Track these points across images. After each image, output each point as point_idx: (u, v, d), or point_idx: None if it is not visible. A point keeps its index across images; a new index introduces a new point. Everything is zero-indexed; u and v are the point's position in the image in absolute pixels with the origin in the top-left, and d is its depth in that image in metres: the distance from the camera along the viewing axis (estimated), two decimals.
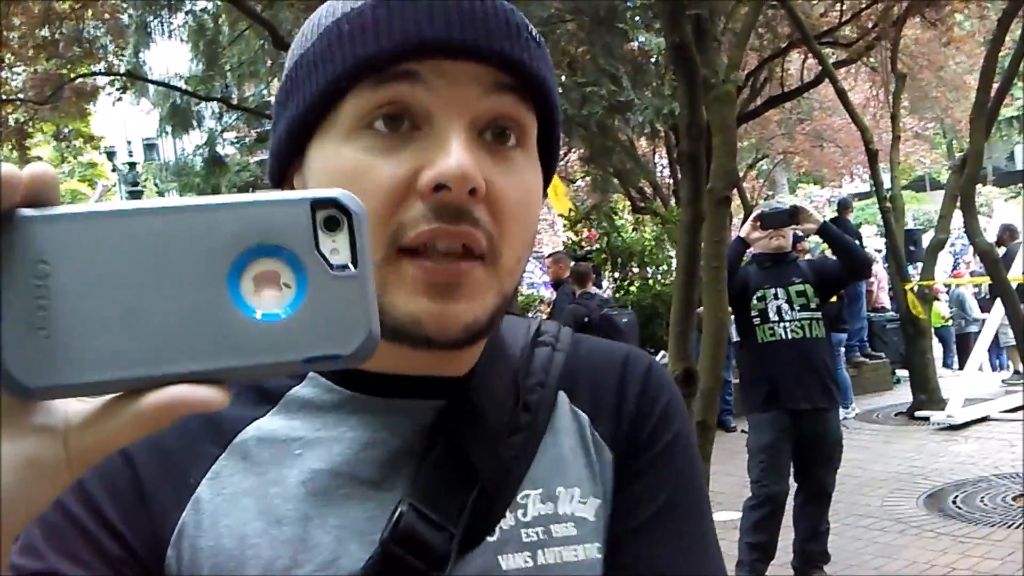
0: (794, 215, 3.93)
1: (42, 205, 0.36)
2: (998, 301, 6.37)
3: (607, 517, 0.65)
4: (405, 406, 0.62)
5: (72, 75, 9.98)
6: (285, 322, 0.38)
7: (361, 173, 0.56)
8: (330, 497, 0.59)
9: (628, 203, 13.86)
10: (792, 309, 4.00)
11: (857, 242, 9.72)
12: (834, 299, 8.08)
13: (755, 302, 4.03)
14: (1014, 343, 6.36)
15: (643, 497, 0.65)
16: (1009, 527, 4.72)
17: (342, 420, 0.62)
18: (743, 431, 4.29)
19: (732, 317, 4.37)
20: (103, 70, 10.20)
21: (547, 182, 0.67)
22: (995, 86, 5.50)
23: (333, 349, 0.38)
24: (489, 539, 0.60)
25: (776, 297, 4.02)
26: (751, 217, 4.01)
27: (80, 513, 0.56)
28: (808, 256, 8.13)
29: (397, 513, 0.58)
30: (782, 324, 3.99)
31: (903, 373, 9.44)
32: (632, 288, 10.63)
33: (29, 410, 0.37)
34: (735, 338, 7.30)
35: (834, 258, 4.21)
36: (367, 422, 0.62)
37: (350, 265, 0.39)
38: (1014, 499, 5.21)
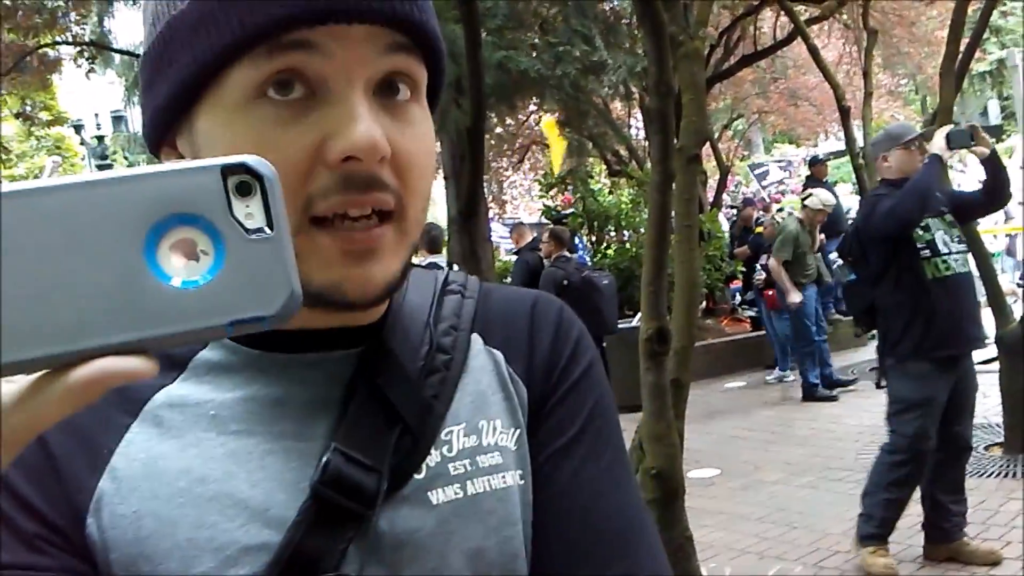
0: (973, 136, 3.63)
1: None
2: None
3: (527, 446, 0.67)
4: (316, 359, 0.63)
5: (35, 45, 9.74)
6: (205, 288, 0.38)
7: (264, 145, 0.53)
8: (251, 454, 0.59)
9: (604, 166, 13.86)
10: (951, 240, 3.63)
11: (836, 199, 9.71)
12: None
13: (920, 233, 3.57)
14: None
15: (564, 422, 0.68)
16: (981, 476, 4.83)
17: (253, 378, 0.62)
18: (875, 381, 3.75)
19: (852, 255, 3.81)
20: (67, 40, 9.96)
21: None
22: (965, 40, 5.50)
23: (257, 311, 0.39)
24: (417, 476, 0.62)
25: (937, 227, 3.62)
26: (938, 135, 3.64)
27: None
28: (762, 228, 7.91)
29: (325, 458, 0.58)
30: (951, 256, 3.58)
31: None
32: (609, 251, 10.67)
33: None
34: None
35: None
36: (278, 378, 0.62)
37: (266, 228, 0.39)
38: (986, 449, 5.32)
